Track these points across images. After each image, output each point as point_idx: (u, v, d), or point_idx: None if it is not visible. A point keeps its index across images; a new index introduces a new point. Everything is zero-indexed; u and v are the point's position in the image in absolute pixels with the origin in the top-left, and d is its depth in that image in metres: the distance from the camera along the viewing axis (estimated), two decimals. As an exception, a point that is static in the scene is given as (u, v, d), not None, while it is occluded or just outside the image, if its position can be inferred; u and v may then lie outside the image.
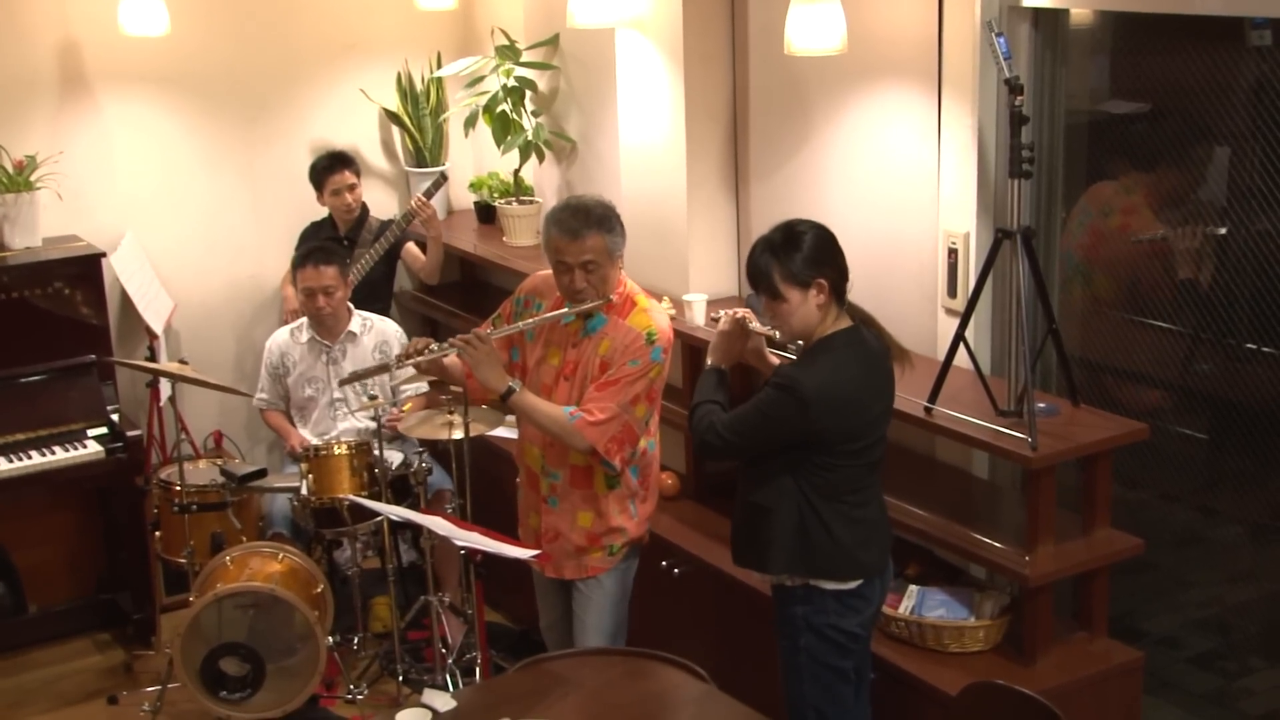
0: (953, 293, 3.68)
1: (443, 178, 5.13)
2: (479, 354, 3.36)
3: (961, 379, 3.52)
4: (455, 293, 5.74)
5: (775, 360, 3.29)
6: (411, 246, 5.24)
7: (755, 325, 3.25)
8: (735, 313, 3.27)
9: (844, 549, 3.09)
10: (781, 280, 3.01)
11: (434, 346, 3.46)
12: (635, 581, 3.68)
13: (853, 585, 3.12)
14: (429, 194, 5.08)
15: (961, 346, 3.40)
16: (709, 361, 3.26)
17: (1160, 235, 3.47)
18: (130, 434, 4.74)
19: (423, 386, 4.78)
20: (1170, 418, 3.53)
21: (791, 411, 2.98)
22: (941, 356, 3.48)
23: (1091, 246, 3.65)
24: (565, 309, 3.47)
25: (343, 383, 3.97)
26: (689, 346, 4.23)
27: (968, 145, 3.58)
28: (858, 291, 3.18)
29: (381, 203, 5.60)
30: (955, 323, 3.46)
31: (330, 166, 5.12)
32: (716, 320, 3.30)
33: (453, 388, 4.18)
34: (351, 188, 5.13)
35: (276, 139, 5.47)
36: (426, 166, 5.60)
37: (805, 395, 2.96)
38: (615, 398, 3.39)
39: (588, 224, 3.36)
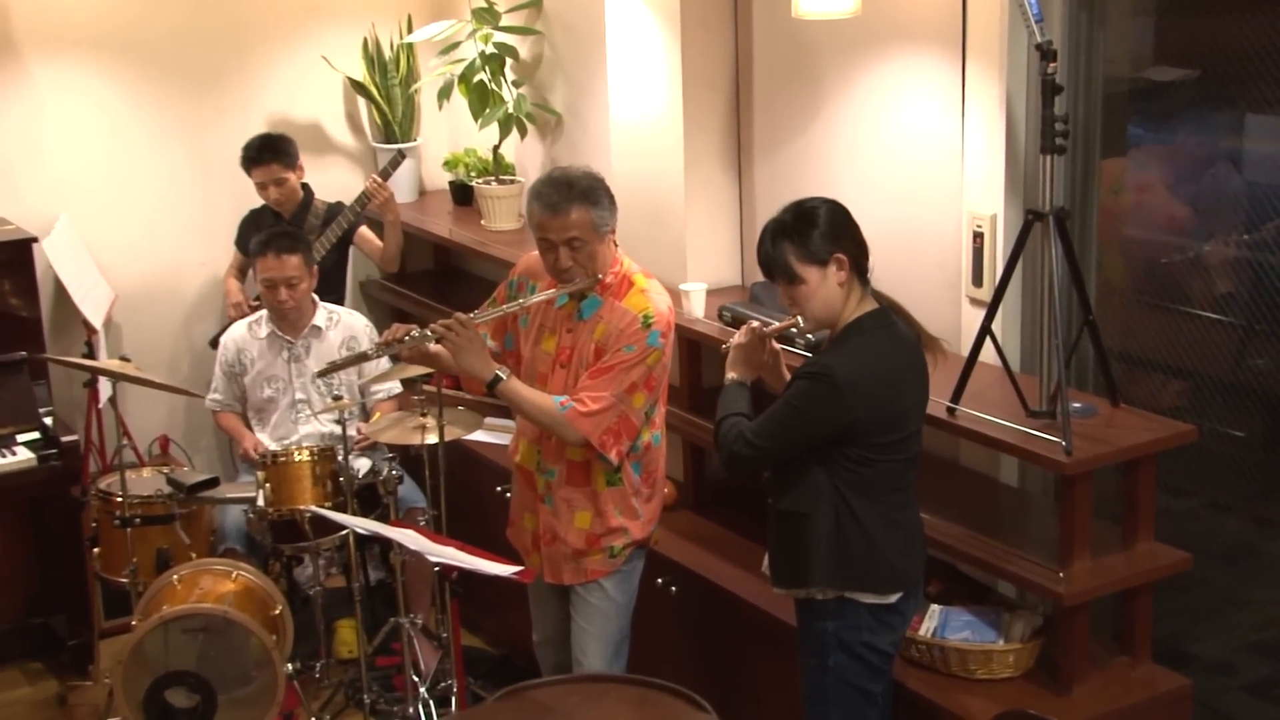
0: (978, 281, 3.69)
1: (400, 156, 5.13)
2: (461, 340, 3.39)
3: (988, 376, 3.52)
4: (427, 282, 5.74)
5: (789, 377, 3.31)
6: (365, 232, 5.24)
7: (771, 327, 3.27)
8: (750, 323, 3.31)
9: (884, 556, 3.11)
10: (798, 260, 3.05)
11: (414, 333, 3.47)
12: (627, 599, 3.70)
13: (892, 599, 3.13)
14: (385, 174, 5.08)
15: (988, 340, 3.41)
16: (729, 376, 3.29)
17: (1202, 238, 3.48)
18: (66, 439, 4.73)
19: (394, 387, 4.79)
20: (1220, 418, 3.54)
21: (826, 401, 3.01)
22: (966, 351, 3.48)
23: (1104, 227, 3.67)
24: (550, 291, 3.50)
25: (320, 374, 3.97)
26: (688, 340, 4.24)
27: (995, 118, 3.59)
28: (874, 281, 3.19)
29: (346, 184, 5.60)
30: (981, 314, 3.46)
31: (255, 158, 5.09)
32: (729, 333, 3.31)
33: (427, 387, 4.19)
34: (280, 182, 5.09)
35: (229, 111, 5.47)
36: (396, 142, 5.60)
37: (839, 381, 2.99)
38: (609, 386, 3.42)
39: (570, 197, 3.39)
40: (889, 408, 3.06)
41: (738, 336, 3.31)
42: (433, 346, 3.53)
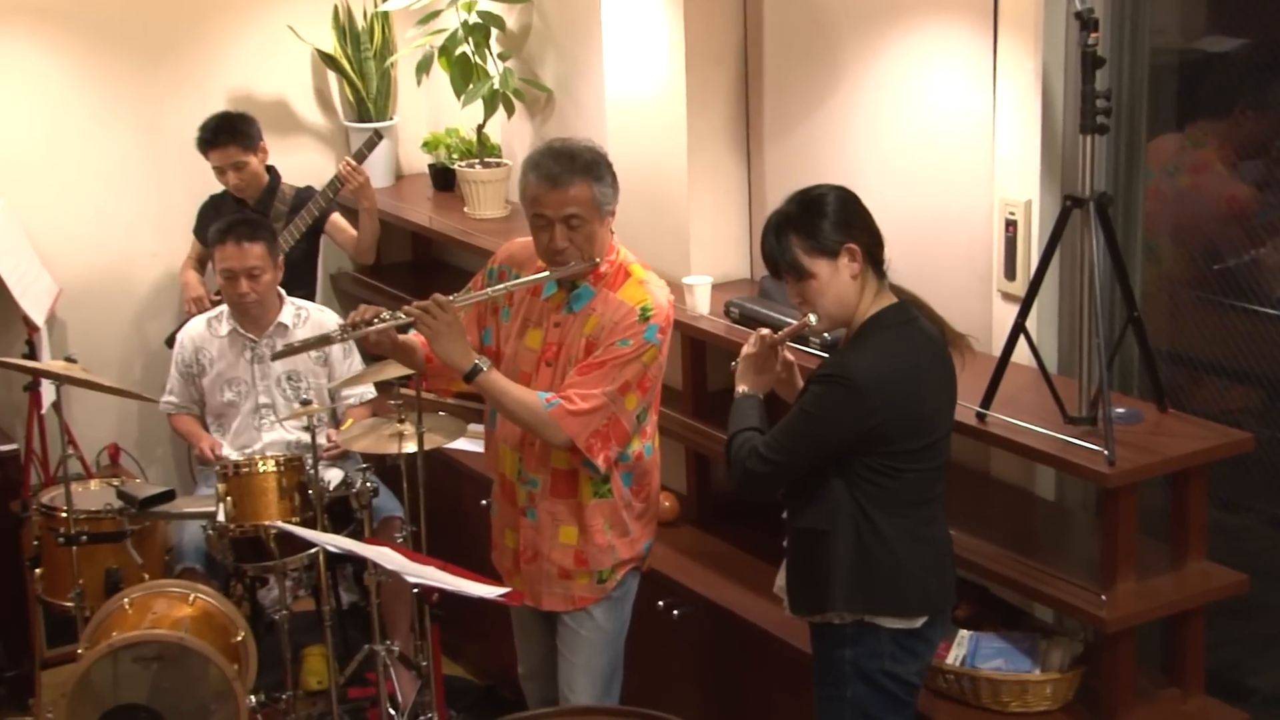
0: (1011, 274, 3.70)
1: (376, 136, 5.13)
2: (439, 324, 3.37)
3: (1022, 378, 3.52)
4: (405, 275, 5.75)
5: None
6: (337, 219, 5.24)
7: (782, 333, 3.28)
8: (760, 332, 3.32)
9: (910, 577, 3.11)
10: (805, 253, 3.06)
11: (385, 315, 3.44)
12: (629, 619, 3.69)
13: (918, 624, 3.13)
14: (360, 156, 5.08)
15: (1021, 339, 3.41)
16: (740, 389, 3.29)
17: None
18: (4, 448, 4.74)
19: (368, 391, 4.79)
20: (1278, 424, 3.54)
21: (844, 405, 3.01)
22: (997, 351, 3.48)
23: (1157, 214, 3.67)
24: (543, 274, 3.48)
25: (276, 356, 3.94)
26: (691, 340, 4.25)
27: (1030, 94, 3.59)
28: (896, 274, 3.19)
29: (316, 167, 5.60)
30: (1014, 310, 3.46)
31: (210, 140, 5.09)
32: (736, 331, 3.31)
33: (404, 391, 4.19)
34: (239, 167, 5.09)
35: (185, 87, 5.47)
36: (370, 121, 5.60)
37: (858, 382, 3.00)
38: (601, 383, 3.41)
39: (572, 169, 3.39)
40: (914, 410, 3.06)
41: (746, 347, 3.32)
42: (404, 335, 3.51)
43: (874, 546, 3.09)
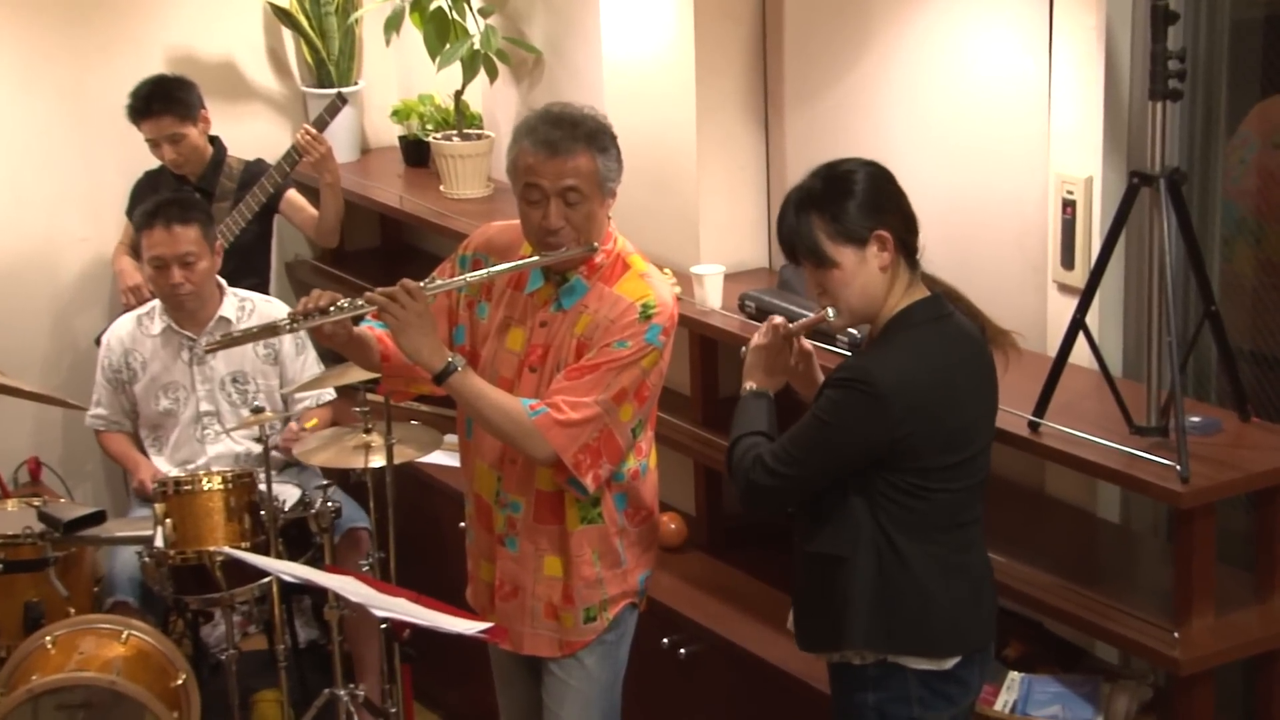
0: (1069, 263, 3.70)
1: (340, 100, 5.13)
2: (408, 314, 3.31)
3: (1081, 383, 3.52)
4: (372, 263, 5.76)
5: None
6: (294, 196, 5.25)
7: (797, 324, 3.28)
8: (772, 319, 3.32)
9: (940, 611, 3.09)
10: (829, 239, 3.05)
11: (342, 302, 3.37)
12: (628, 660, 3.68)
13: (949, 665, 3.12)
14: (320, 124, 5.08)
15: (1081, 337, 3.41)
16: (747, 385, 3.28)
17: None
18: (-90, 463, 4.73)
19: (326, 394, 4.78)
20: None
21: (864, 415, 3.00)
22: (1052, 351, 3.48)
23: (1261, 191, 3.66)
24: (531, 259, 3.43)
25: (210, 348, 3.88)
26: (699, 337, 4.24)
27: (1091, 55, 3.58)
28: (936, 262, 3.19)
29: (269, 138, 5.61)
30: (1072, 304, 3.46)
31: (142, 109, 5.09)
32: (752, 328, 3.31)
33: (371, 395, 4.17)
34: (176, 139, 5.10)
35: (117, 47, 5.47)
36: (332, 86, 5.60)
37: (880, 389, 2.98)
38: (593, 389, 3.37)
39: (575, 137, 3.37)
40: (946, 421, 3.05)
41: (756, 337, 3.31)
42: (361, 328, 3.45)
43: (898, 576, 3.08)
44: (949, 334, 3.10)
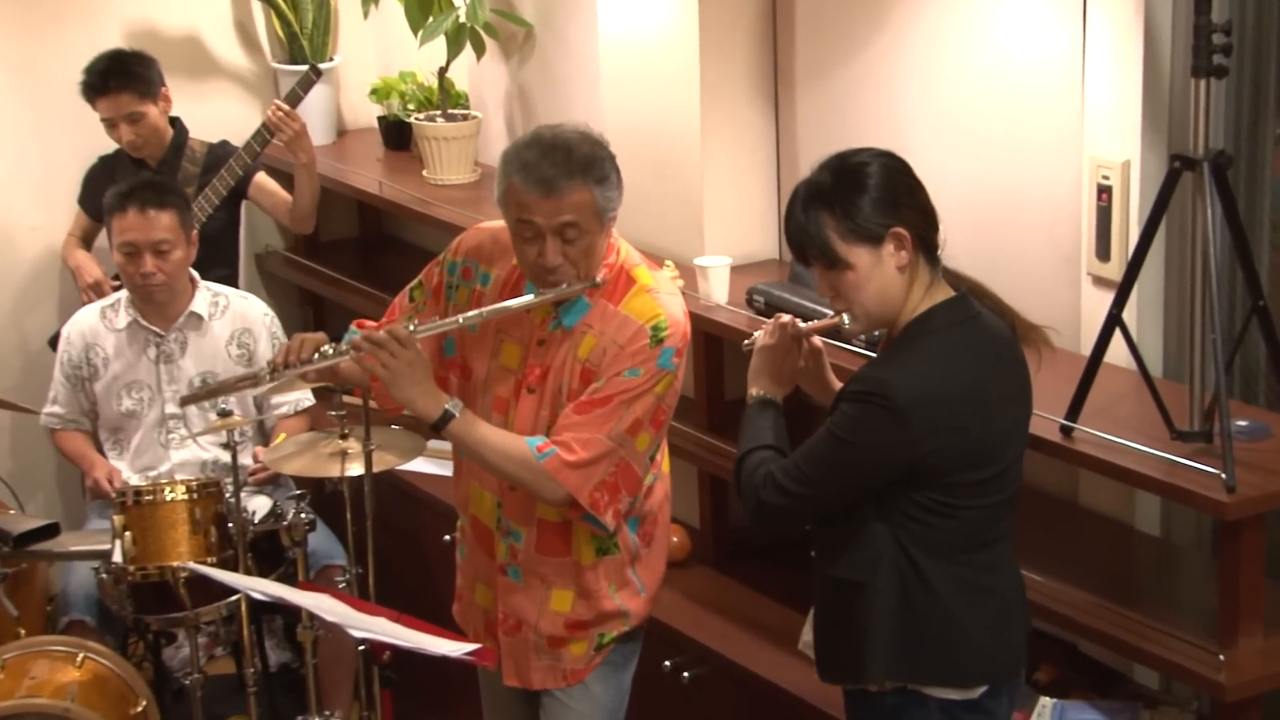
0: (1104, 254, 3.69)
1: (314, 73, 5.13)
2: (398, 364, 3.31)
3: (1118, 383, 3.53)
4: (349, 253, 5.76)
5: (838, 384, 3.31)
6: (264, 180, 5.25)
7: (808, 325, 3.28)
8: (779, 318, 3.31)
9: (966, 638, 3.09)
10: (842, 238, 3.03)
11: (327, 349, 3.42)
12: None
13: (975, 694, 3.12)
14: (294, 99, 5.08)
15: (1118, 334, 3.40)
16: (752, 392, 3.28)
17: None
18: None
19: (305, 398, 4.78)
20: None
21: (882, 432, 2.99)
22: (1087, 350, 3.48)
23: None
24: (528, 297, 3.41)
25: (184, 402, 3.95)
26: (704, 335, 4.24)
27: (1129, 29, 3.58)
28: (960, 257, 3.18)
29: (236, 119, 5.61)
30: (1108, 299, 3.46)
31: (98, 86, 5.09)
32: (760, 324, 3.31)
33: (349, 400, 4.17)
34: (135, 119, 5.10)
35: (69, 19, 5.47)
36: (305, 63, 5.59)
37: (899, 403, 2.97)
38: (604, 425, 3.36)
39: (570, 170, 3.31)
40: (974, 433, 3.04)
41: (763, 336, 3.30)
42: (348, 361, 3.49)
43: (921, 601, 3.07)
44: (976, 339, 3.09)
